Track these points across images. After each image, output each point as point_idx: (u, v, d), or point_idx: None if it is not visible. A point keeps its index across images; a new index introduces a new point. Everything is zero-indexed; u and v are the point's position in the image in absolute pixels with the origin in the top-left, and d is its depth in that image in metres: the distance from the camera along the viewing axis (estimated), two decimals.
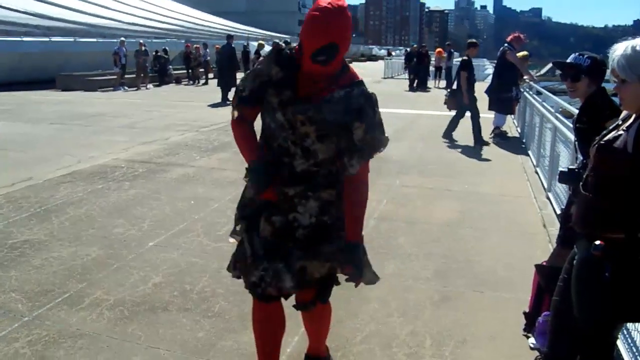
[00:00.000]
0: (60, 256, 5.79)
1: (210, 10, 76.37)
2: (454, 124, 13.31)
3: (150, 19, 50.21)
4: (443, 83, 29.16)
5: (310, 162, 3.05)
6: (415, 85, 28.20)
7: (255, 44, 28.48)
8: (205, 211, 7.37)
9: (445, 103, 13.59)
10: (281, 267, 3.12)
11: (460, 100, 12.86)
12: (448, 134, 13.31)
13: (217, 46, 35.62)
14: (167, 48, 30.53)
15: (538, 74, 15.57)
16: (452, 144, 12.81)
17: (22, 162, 10.08)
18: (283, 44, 3.27)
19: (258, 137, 3.23)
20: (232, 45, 22.28)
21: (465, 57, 13.27)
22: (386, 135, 3.11)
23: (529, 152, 11.51)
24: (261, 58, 3.41)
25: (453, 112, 13.35)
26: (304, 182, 3.08)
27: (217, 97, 20.82)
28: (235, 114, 3.22)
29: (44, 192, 8.04)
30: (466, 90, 12.66)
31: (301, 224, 3.12)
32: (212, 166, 10.04)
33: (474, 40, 14.11)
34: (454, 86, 13.57)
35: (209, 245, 6.21)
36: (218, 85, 21.56)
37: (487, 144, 12.70)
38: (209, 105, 19.33)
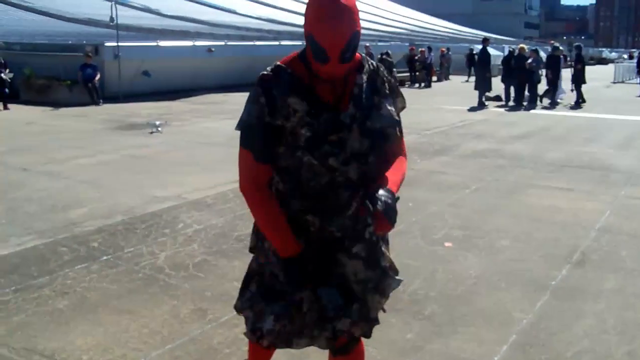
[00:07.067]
0: None
1: (434, 12, 76.40)
2: None
3: (374, 22, 51.20)
4: None
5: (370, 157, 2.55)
6: None
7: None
8: (423, 214, 7.37)
9: None
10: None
11: None
12: None
13: (442, 49, 35.73)
14: (389, 51, 30.99)
15: None
16: None
17: None
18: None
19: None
20: (487, 48, 21.87)
21: None
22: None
23: None
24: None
25: None
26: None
27: (440, 100, 20.72)
28: (250, 176, 2.50)
29: None
30: None
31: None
32: (432, 169, 10.03)
33: None
34: None
35: (424, 248, 6.22)
36: (475, 89, 21.38)
37: None
38: (432, 109, 19.27)
